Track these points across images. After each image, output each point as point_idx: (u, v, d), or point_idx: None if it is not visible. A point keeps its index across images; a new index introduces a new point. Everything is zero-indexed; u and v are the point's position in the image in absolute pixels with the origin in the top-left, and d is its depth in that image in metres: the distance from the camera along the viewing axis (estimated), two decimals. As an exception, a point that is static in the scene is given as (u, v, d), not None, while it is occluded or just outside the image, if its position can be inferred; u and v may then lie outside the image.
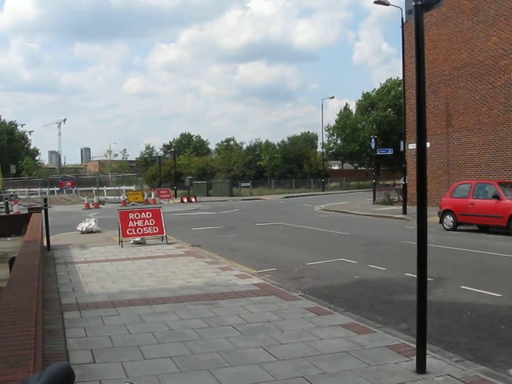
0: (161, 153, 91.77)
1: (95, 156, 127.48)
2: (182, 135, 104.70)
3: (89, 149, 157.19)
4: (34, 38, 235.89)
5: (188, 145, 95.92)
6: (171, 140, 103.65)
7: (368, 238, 18.59)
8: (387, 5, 28.68)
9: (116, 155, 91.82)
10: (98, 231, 20.89)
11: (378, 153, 39.86)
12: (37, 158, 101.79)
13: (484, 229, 19.67)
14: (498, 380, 5.36)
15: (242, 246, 17.47)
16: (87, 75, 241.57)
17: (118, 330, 7.40)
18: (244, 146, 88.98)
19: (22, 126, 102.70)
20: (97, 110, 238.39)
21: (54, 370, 1.81)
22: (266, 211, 33.41)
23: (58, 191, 59.91)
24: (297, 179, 66.98)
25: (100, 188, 54.01)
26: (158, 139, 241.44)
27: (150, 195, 46.68)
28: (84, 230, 20.73)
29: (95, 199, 44.56)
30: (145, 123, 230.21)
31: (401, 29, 29.13)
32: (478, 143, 27.24)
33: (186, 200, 46.62)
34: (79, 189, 58.43)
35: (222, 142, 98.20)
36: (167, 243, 16.84)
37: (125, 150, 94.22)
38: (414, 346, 5.91)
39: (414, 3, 5.84)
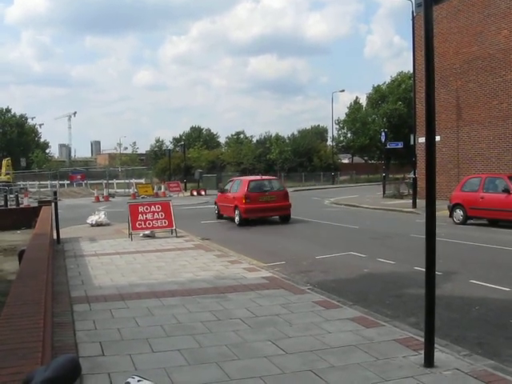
0: (171, 146, 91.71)
1: (105, 149, 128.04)
2: (192, 128, 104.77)
3: (99, 142, 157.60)
4: (45, 31, 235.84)
5: (198, 138, 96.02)
6: (181, 133, 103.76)
7: (377, 231, 18.56)
8: (398, -3, 28.51)
9: (126, 148, 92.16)
10: (108, 224, 20.99)
11: (388, 146, 39.69)
12: (47, 151, 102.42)
13: (494, 223, 19.57)
14: (506, 374, 5.34)
15: (251, 239, 17.49)
16: (98, 68, 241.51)
17: (127, 322, 7.44)
18: (254, 140, 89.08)
19: (33, 119, 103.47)
20: (107, 102, 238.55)
21: (61, 362, 1.82)
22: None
23: (68, 184, 60.16)
24: (307, 172, 66.91)
25: (110, 181, 54.22)
26: (168, 132, 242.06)
27: (159, 188, 46.81)
28: (94, 223, 20.83)
29: (105, 192, 44.69)
30: (155, 116, 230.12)
31: (411, 22, 28.97)
32: (488, 137, 27.10)
33: (195, 193, 46.62)
34: (89, 182, 58.72)
35: (231, 135, 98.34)
36: (177, 236, 16.89)
37: (135, 142, 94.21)
38: (423, 339, 5.89)
39: (423, -4, 5.79)
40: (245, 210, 21.77)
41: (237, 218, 22.17)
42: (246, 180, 23.76)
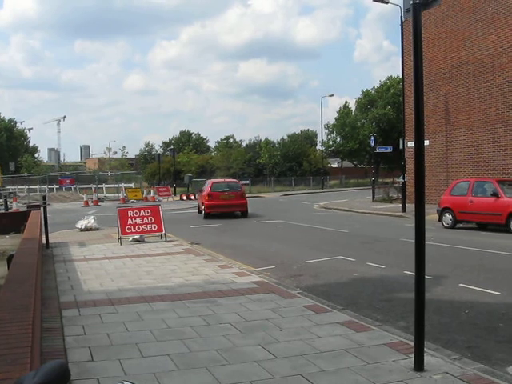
0: (160, 150, 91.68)
1: (95, 153, 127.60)
2: (181, 133, 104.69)
3: (88, 146, 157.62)
4: (35, 35, 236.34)
5: (187, 142, 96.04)
6: (171, 137, 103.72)
7: (367, 235, 18.59)
8: (386, 3, 28.58)
9: (115, 153, 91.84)
10: (97, 229, 20.89)
11: (378, 150, 39.81)
12: (36, 155, 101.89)
13: (483, 227, 19.67)
14: (495, 378, 5.36)
15: (240, 243, 17.46)
16: (88, 72, 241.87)
17: (117, 327, 7.40)
18: (243, 144, 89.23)
19: (22, 123, 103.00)
20: (97, 107, 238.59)
21: (50, 367, 1.80)
22: (265, 209, 33.38)
23: (57, 189, 59.83)
24: (296, 177, 66.96)
25: (99, 185, 53.97)
26: (158, 137, 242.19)
27: (149, 193, 46.66)
28: (83, 227, 20.72)
29: (94, 197, 44.54)
30: (145, 121, 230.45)
31: (400, 27, 29.05)
32: (476, 141, 27.24)
33: (185, 197, 46.61)
34: (78, 186, 58.33)
35: (221, 140, 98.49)
36: (166, 241, 16.84)
37: (124, 147, 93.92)
38: (413, 343, 5.89)
39: (411, 1, 5.78)
40: (208, 206, 26.69)
41: (203, 212, 27.02)
42: (211, 181, 29.57)
